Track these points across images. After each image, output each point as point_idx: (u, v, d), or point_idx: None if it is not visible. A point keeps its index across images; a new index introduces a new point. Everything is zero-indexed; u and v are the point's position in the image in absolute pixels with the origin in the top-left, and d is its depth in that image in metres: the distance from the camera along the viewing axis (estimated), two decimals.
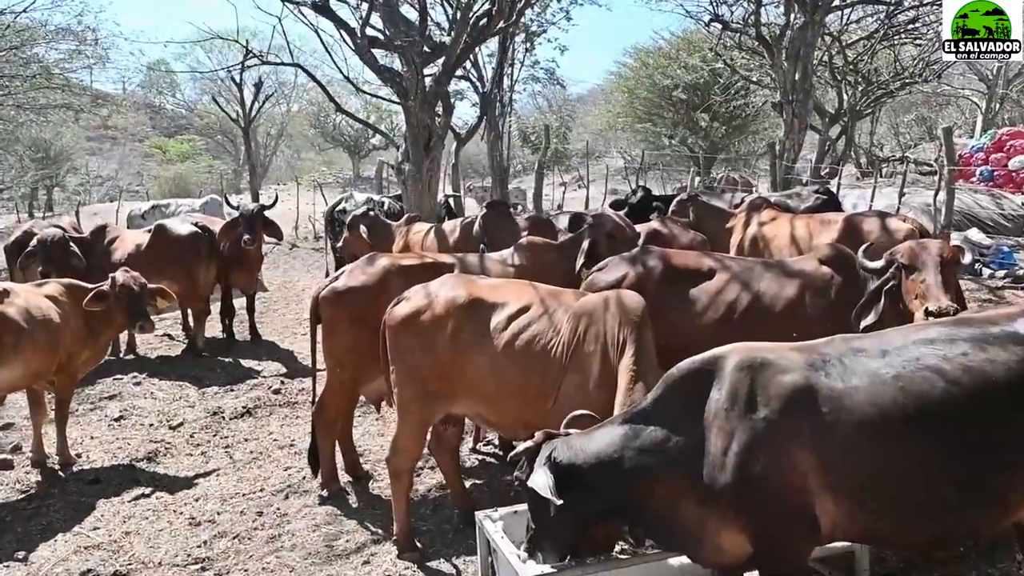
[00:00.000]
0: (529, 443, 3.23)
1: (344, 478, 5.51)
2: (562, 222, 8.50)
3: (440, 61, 10.61)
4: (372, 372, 4.92)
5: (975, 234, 14.85)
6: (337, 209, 12.09)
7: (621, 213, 6.82)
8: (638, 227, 6.74)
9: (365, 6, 10.14)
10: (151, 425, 6.97)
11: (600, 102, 42.27)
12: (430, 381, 4.26)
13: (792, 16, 15.79)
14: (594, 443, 3.10)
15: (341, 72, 11.97)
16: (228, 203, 10.54)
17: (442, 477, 5.16)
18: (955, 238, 12.90)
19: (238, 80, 20.75)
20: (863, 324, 4.16)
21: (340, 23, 9.98)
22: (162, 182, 46.12)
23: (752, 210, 7.75)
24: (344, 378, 5.20)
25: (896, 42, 21.14)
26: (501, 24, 10.69)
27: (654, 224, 6.74)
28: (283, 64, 16.34)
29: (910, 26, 20.15)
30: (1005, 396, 2.72)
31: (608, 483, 3.01)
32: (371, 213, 9.05)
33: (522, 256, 5.63)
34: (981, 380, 2.72)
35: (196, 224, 9.01)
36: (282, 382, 7.86)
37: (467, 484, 5.22)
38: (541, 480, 3.02)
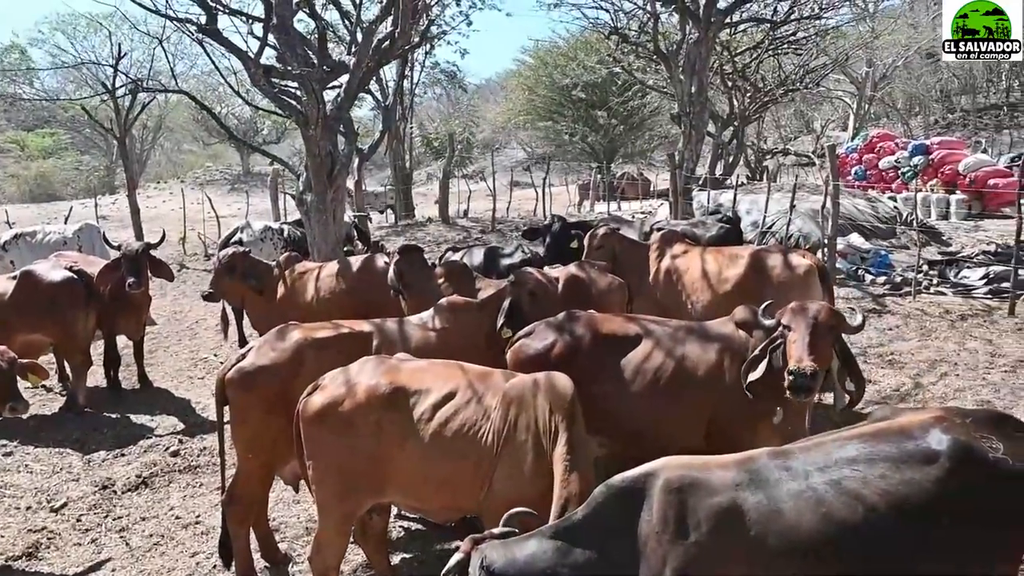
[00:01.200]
0: (459, 556, 3.09)
1: (260, 564, 5.13)
2: (476, 257, 8.29)
3: (342, 81, 10.14)
4: (288, 456, 4.58)
5: (856, 239, 15.62)
6: (233, 240, 11.42)
7: (543, 269, 6.62)
8: (556, 271, 6.64)
9: (259, 28, 9.56)
10: (28, 508, 6.13)
11: (499, 97, 42.29)
12: (352, 476, 4.02)
13: (687, 30, 16.11)
14: (525, 554, 2.99)
15: (232, 89, 11.35)
16: (108, 243, 9.52)
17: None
18: (840, 243, 13.57)
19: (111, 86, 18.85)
20: (749, 379, 4.34)
21: (231, 48, 9.34)
22: (22, 182, 42.43)
23: (665, 243, 7.83)
24: (257, 465, 4.83)
25: (780, 52, 22.11)
26: (406, 47, 10.31)
27: (572, 270, 6.62)
28: (166, 91, 15.26)
29: (791, 38, 21.18)
30: (920, 517, 2.80)
31: None
32: (243, 252, 7.89)
33: (443, 319, 5.37)
34: (897, 504, 2.79)
35: (70, 268, 8.04)
36: (180, 441, 7.26)
37: (395, 559, 5.00)
38: None
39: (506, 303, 5.49)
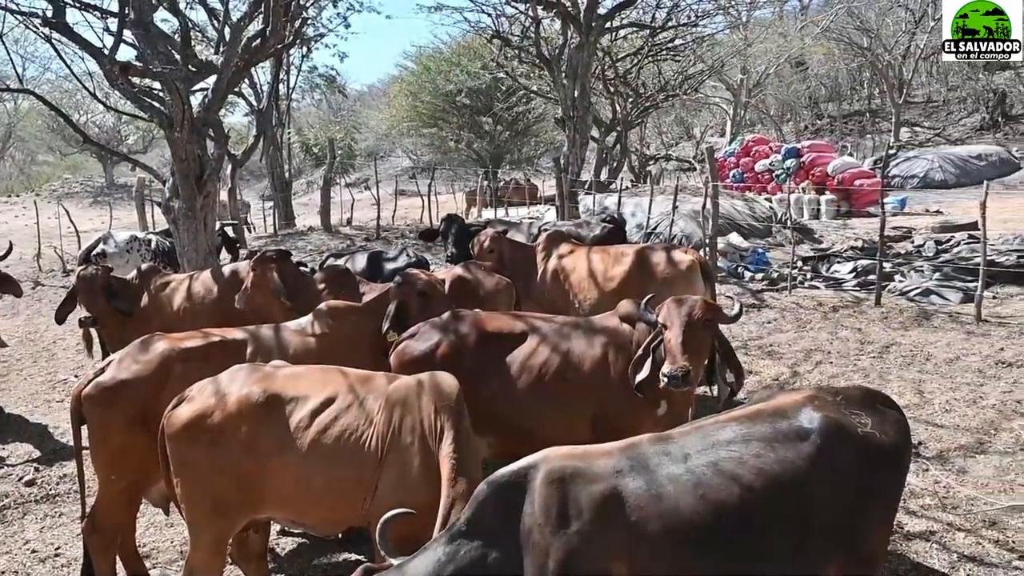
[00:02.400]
0: None
1: None
2: (359, 262, 7.98)
3: (209, 82, 9.60)
4: (155, 475, 4.21)
5: (735, 238, 16.19)
6: (95, 252, 10.63)
7: (429, 272, 6.41)
8: (442, 273, 6.48)
9: (114, 24, 8.89)
10: None
11: (382, 103, 41.62)
12: (226, 492, 3.72)
13: (569, 35, 16.26)
14: (412, 573, 2.87)
15: (88, 91, 10.57)
16: None
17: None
18: (720, 243, 14.00)
19: None
20: (637, 379, 4.34)
21: (83, 44, 8.65)
22: None
23: (551, 243, 7.85)
24: (121, 487, 4.43)
25: (659, 58, 22.70)
26: (278, 46, 9.85)
27: (458, 271, 6.48)
28: (8, 90, 14.08)
29: (670, 44, 21.79)
30: (793, 494, 2.89)
31: None
32: (94, 270, 7.05)
33: (323, 323, 5.10)
34: (771, 482, 2.88)
35: None
36: (36, 469, 6.65)
37: None
38: None
39: (392, 305, 5.30)
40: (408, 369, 4.49)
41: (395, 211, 23.98)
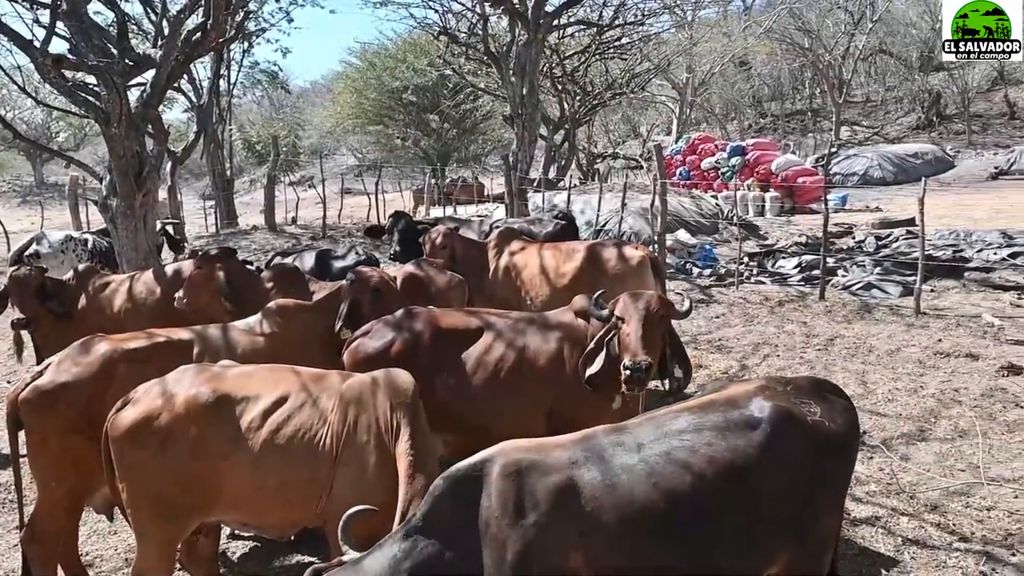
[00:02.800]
0: None
1: None
2: (307, 261, 7.82)
3: (147, 77, 9.29)
4: (98, 480, 4.08)
5: (683, 235, 16.40)
6: (27, 253, 10.22)
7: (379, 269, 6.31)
8: (393, 271, 6.39)
9: (46, 15, 8.55)
10: None
11: (327, 101, 40.96)
12: (174, 496, 3.60)
13: (517, 32, 16.24)
14: (365, 573, 2.83)
15: (18, 85, 10.16)
16: None
17: None
18: (668, 240, 14.14)
19: None
20: (587, 373, 4.32)
21: (10, 34, 8.27)
22: None
23: (502, 240, 7.81)
24: (62, 494, 4.27)
25: (607, 56, 22.84)
26: (220, 40, 9.59)
27: (410, 268, 6.39)
28: None
29: (617, 43, 21.94)
30: (744, 481, 2.93)
31: None
32: (27, 271, 6.73)
33: (272, 322, 4.97)
34: (723, 469, 2.91)
35: None
36: None
37: None
38: None
39: (346, 303, 5.21)
40: (362, 367, 4.41)
41: (341, 210, 23.68)
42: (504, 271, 7.63)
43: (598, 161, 33.78)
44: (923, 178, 10.93)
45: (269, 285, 6.07)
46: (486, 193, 28.33)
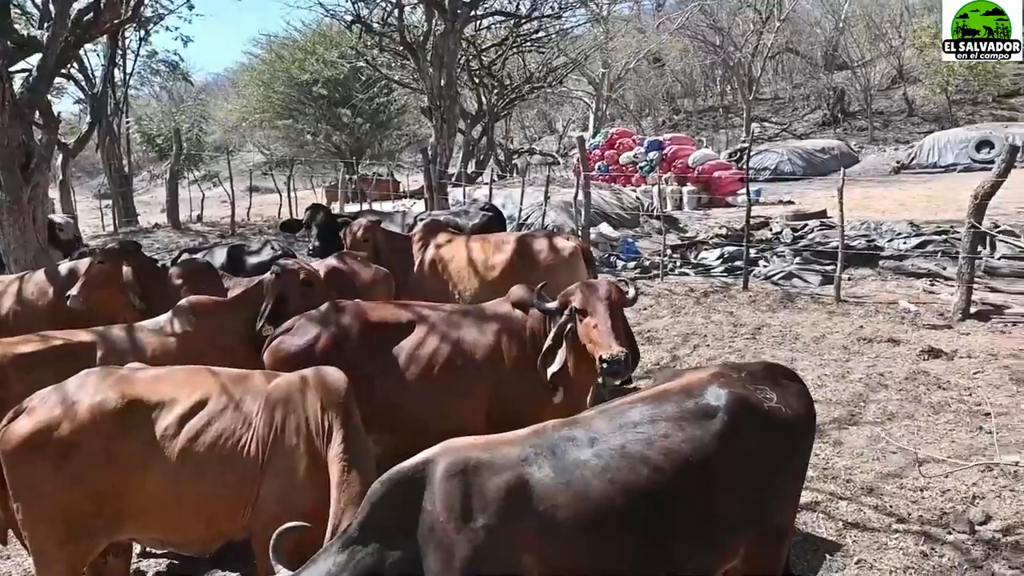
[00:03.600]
0: None
1: None
2: (218, 257, 7.34)
3: (33, 61, 8.56)
4: None
5: (606, 228, 16.44)
6: None
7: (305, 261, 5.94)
8: (315, 264, 6.03)
9: None
10: None
11: (231, 95, 39.51)
12: (80, 515, 3.24)
13: (434, 23, 15.91)
14: None
15: None
16: None
17: None
18: (592, 233, 14.11)
19: None
20: (550, 372, 4.17)
21: None
22: None
23: (428, 233, 7.56)
24: None
25: (524, 49, 22.74)
26: (114, 22, 8.91)
27: (332, 262, 6.05)
28: None
29: (535, 36, 21.84)
30: (702, 472, 2.83)
31: None
32: None
33: (185, 321, 4.58)
34: (680, 461, 2.81)
35: None
36: None
37: None
38: None
39: (270, 299, 4.88)
40: (285, 366, 4.11)
41: (250, 208, 22.82)
42: (430, 264, 7.39)
43: (515, 157, 33.71)
44: (843, 169, 11.18)
45: (179, 282, 5.62)
46: (402, 189, 27.85)
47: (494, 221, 9.05)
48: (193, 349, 4.39)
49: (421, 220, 8.30)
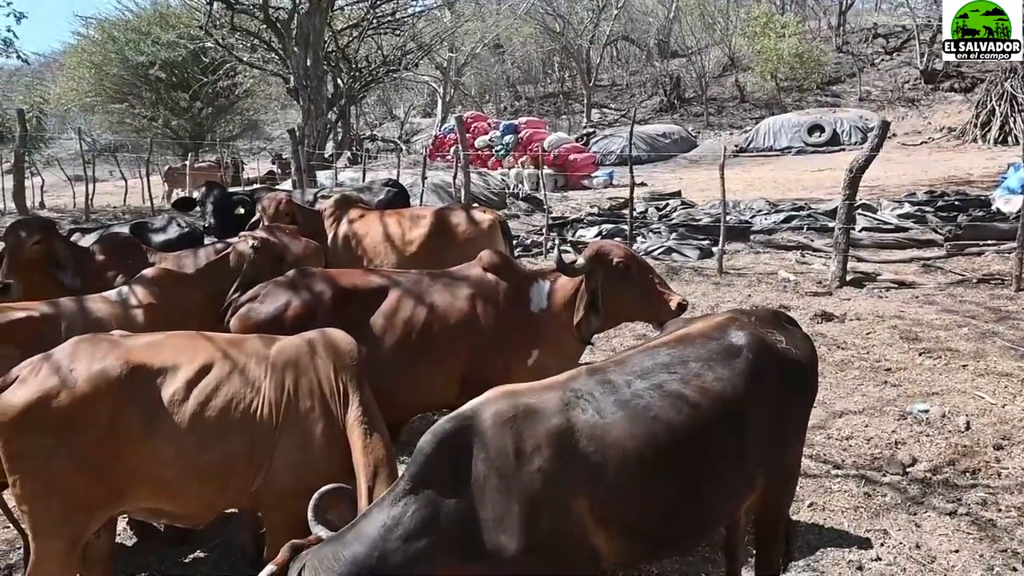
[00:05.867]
0: (272, 568, 2.59)
1: None
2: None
3: None
4: None
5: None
6: None
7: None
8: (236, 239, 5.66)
9: None
10: None
11: (59, 76, 36.17)
12: (81, 488, 3.06)
13: (298, 1, 15.25)
14: (350, 547, 2.57)
15: None
16: None
17: None
18: None
19: None
20: (592, 327, 4.31)
21: None
22: None
23: (339, 207, 7.33)
24: None
25: (380, 31, 22.33)
26: None
27: (262, 234, 5.69)
28: None
29: (392, 16, 21.50)
30: (733, 410, 2.94)
31: None
32: None
33: (148, 293, 4.29)
34: (715, 399, 2.91)
35: None
36: None
37: None
38: None
39: (246, 273, 4.64)
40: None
41: (93, 194, 21.01)
42: (343, 239, 7.19)
43: (364, 142, 33.04)
44: (727, 149, 11.78)
45: (101, 258, 5.14)
46: (243, 176, 26.59)
47: (399, 197, 8.85)
48: (158, 322, 4.12)
49: (323, 197, 7.97)
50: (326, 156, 17.99)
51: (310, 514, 2.75)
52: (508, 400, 2.76)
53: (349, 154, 27.89)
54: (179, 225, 6.93)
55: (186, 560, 4.37)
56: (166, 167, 25.12)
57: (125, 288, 4.34)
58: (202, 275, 4.72)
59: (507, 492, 2.61)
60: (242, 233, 5.98)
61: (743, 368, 2.99)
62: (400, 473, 2.80)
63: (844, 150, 25.62)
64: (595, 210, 15.87)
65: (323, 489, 2.79)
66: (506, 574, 2.63)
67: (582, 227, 14.20)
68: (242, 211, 7.25)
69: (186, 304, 4.42)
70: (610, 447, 2.73)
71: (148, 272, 4.49)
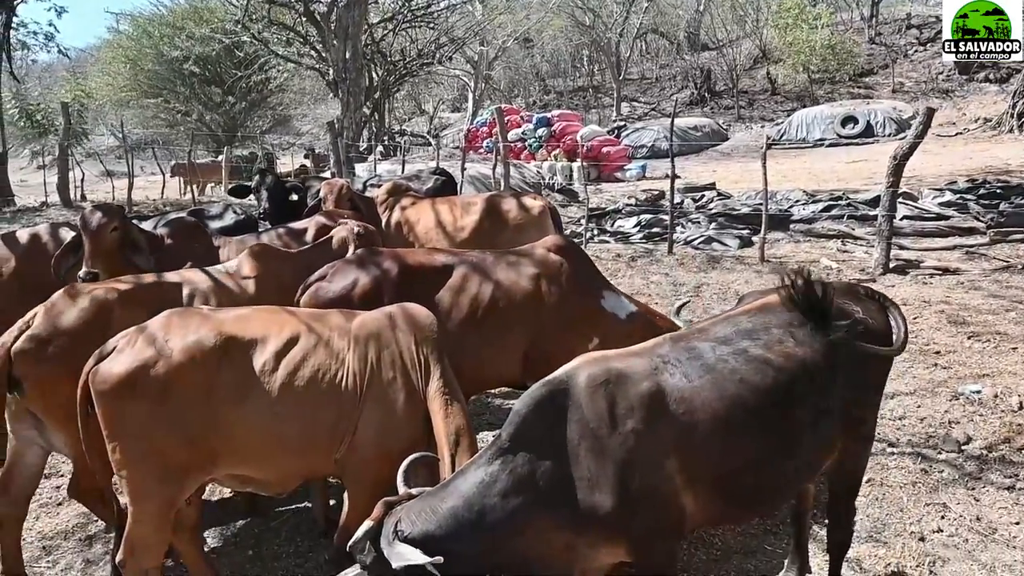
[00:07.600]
0: (369, 523, 2.70)
1: None
2: None
3: None
4: None
5: None
6: None
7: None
8: (304, 223, 5.85)
9: None
10: None
11: (94, 72, 36.76)
12: (176, 453, 3.21)
13: None
14: (447, 501, 2.74)
15: None
16: None
17: None
18: None
19: None
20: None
21: None
22: None
23: (392, 195, 7.46)
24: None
25: (416, 24, 22.46)
26: None
27: (319, 219, 5.86)
28: None
29: (427, 10, 21.62)
30: (815, 374, 3.03)
31: (473, 543, 2.72)
32: None
33: (258, 266, 4.50)
34: (798, 362, 3.01)
35: None
36: None
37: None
38: (406, 552, 2.60)
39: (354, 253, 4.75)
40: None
41: (132, 188, 21.37)
42: (396, 226, 7.31)
43: (394, 137, 33.25)
44: (764, 139, 11.78)
45: (170, 242, 5.31)
46: (277, 170, 26.83)
47: (447, 185, 8.98)
48: (265, 294, 4.34)
49: (377, 185, 8.11)
50: (360, 149, 18.19)
51: (399, 477, 2.89)
52: (600, 365, 2.88)
53: (381, 148, 28.14)
54: (235, 212, 7.11)
55: (259, 530, 4.54)
56: (172, 162, 25.47)
57: (232, 262, 4.57)
58: (304, 256, 4.87)
59: (601, 452, 2.73)
60: (313, 216, 6.15)
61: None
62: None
63: (878, 141, 25.35)
64: (632, 201, 15.87)
65: (413, 455, 2.93)
66: (599, 531, 2.76)
67: (620, 217, 14.24)
68: (295, 197, 7.42)
69: (287, 281, 4.56)
70: (698, 409, 2.84)
71: (256, 248, 4.68)
